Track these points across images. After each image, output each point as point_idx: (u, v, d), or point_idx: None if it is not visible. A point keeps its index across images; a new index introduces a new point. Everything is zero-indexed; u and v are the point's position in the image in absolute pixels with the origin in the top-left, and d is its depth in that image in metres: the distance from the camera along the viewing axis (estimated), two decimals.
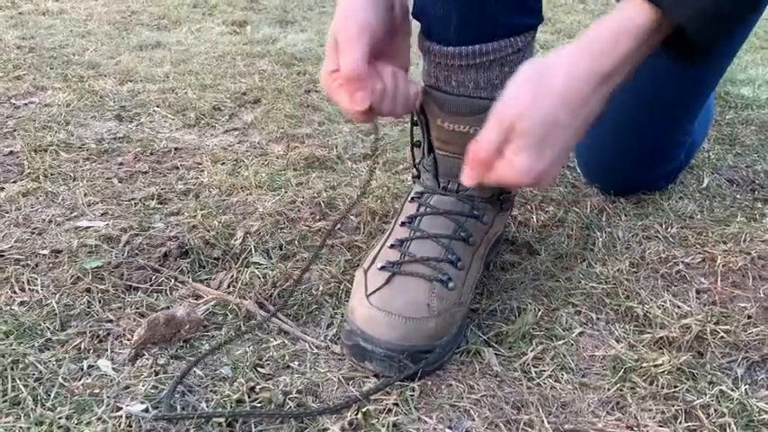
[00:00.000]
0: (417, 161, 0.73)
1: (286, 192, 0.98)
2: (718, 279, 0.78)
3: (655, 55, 0.88)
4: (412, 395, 0.60)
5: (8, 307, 0.71)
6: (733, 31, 0.56)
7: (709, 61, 0.89)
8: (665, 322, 0.71)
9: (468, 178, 0.56)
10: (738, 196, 1.03)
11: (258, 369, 0.63)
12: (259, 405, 0.58)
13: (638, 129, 0.94)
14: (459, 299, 0.65)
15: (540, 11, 0.69)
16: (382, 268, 0.66)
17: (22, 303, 0.72)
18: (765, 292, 0.76)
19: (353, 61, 0.55)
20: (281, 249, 0.83)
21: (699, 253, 0.84)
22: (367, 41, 0.56)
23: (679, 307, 0.74)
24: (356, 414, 0.57)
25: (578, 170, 1.05)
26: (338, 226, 0.88)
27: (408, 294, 0.63)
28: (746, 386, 0.63)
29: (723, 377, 0.64)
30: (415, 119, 0.71)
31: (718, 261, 0.81)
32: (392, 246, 0.68)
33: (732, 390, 0.62)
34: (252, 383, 0.60)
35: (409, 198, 0.72)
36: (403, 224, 0.70)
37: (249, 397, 0.59)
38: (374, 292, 0.64)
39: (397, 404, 0.59)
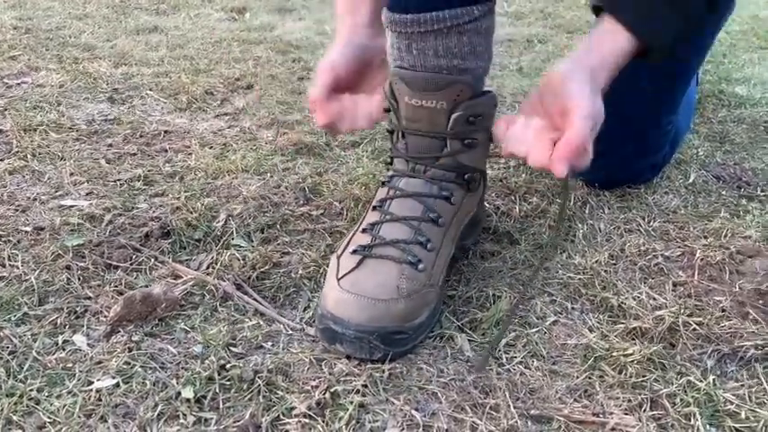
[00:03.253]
0: (391, 146, 0.74)
1: (272, 176, 0.98)
2: (696, 273, 0.79)
3: None
4: (381, 377, 0.61)
5: None
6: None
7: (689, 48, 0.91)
8: (639, 313, 0.71)
9: (563, 167, 0.62)
10: (724, 192, 1.03)
11: (231, 348, 0.64)
12: (228, 383, 0.58)
13: (621, 118, 0.94)
14: (429, 280, 0.66)
15: None
16: (354, 252, 0.67)
17: (1, 278, 0.72)
18: (741, 286, 0.76)
19: (313, 92, 0.73)
20: (263, 233, 0.84)
21: (679, 247, 0.85)
22: (328, 78, 0.72)
23: (654, 299, 0.74)
24: (324, 394, 0.57)
25: None
26: (321, 211, 0.89)
27: (378, 277, 0.64)
28: (715, 377, 0.63)
29: (692, 368, 0.64)
30: (386, 105, 0.72)
31: (697, 255, 0.81)
32: (364, 230, 0.69)
33: (700, 380, 0.62)
34: (223, 361, 0.61)
35: (381, 183, 0.73)
36: (374, 208, 0.71)
37: (219, 374, 0.59)
38: (345, 275, 0.65)
39: (366, 385, 0.60)
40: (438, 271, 0.68)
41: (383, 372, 0.61)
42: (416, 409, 0.58)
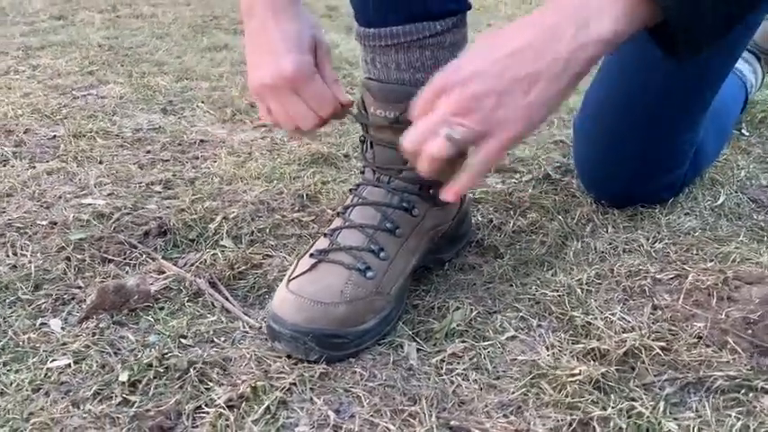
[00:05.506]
0: (361, 155, 0.75)
1: (278, 183, 1.02)
2: (681, 297, 0.74)
3: (644, 56, 0.84)
4: (312, 377, 0.62)
5: None
6: (725, 33, 0.54)
7: (694, 61, 0.85)
8: (602, 335, 0.68)
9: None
10: (756, 216, 0.95)
11: (181, 340, 0.67)
12: (163, 371, 0.62)
13: (630, 135, 0.90)
14: (377, 288, 0.66)
15: None
16: (311, 255, 0.68)
17: (8, 265, 0.80)
18: (728, 313, 0.71)
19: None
20: (252, 235, 0.87)
21: (675, 269, 0.80)
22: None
23: (627, 321, 0.71)
24: (248, 388, 0.59)
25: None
26: (313, 218, 0.92)
27: (324, 281, 0.65)
28: (669, 405, 0.59)
29: (642, 393, 0.60)
30: (356, 112, 0.73)
31: (689, 278, 0.76)
32: (325, 235, 0.70)
33: (646, 407, 0.58)
34: (166, 351, 0.64)
35: (349, 190, 0.74)
36: (338, 214, 0.72)
37: (160, 363, 0.63)
38: (296, 277, 0.66)
39: (294, 384, 0.61)
40: (389, 280, 0.68)
41: (314, 372, 0.62)
42: (336, 411, 0.58)
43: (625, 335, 0.67)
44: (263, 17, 0.66)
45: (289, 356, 0.65)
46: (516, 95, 0.52)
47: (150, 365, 0.62)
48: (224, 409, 0.57)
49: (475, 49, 0.55)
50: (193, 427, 0.56)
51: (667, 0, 0.51)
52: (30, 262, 0.80)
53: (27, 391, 0.60)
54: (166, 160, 1.14)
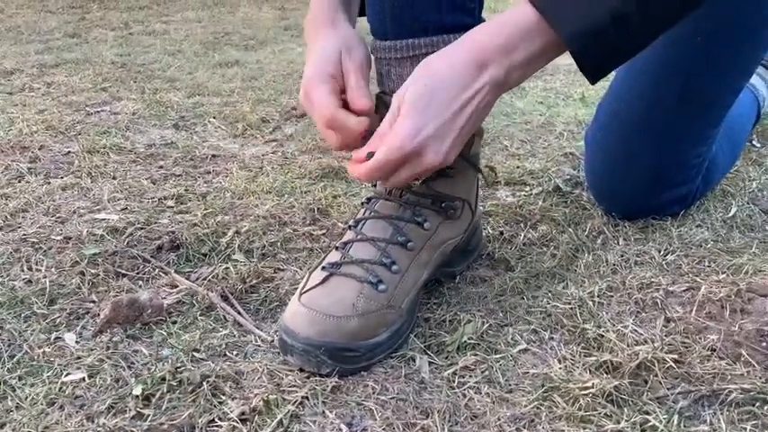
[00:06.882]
0: None
1: (290, 197, 1.03)
2: (694, 309, 0.74)
3: (645, 72, 0.86)
4: (324, 390, 0.62)
5: (12, 282, 0.80)
6: (624, 59, 0.58)
7: (710, 78, 0.86)
8: (614, 347, 0.68)
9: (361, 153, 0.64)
10: None
11: (194, 353, 0.67)
12: (177, 384, 0.62)
13: (643, 148, 0.91)
14: (389, 301, 0.67)
15: (476, 11, 0.71)
16: (323, 268, 0.69)
17: (23, 280, 0.81)
18: (742, 325, 0.70)
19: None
20: (263, 249, 0.88)
21: (687, 282, 0.80)
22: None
23: (640, 334, 0.70)
24: (260, 401, 0.59)
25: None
26: (324, 231, 0.92)
27: (336, 294, 0.65)
28: (683, 419, 0.59)
29: (655, 406, 0.60)
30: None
31: (702, 290, 0.76)
32: (337, 248, 0.71)
33: (660, 421, 0.58)
34: (179, 365, 0.65)
35: (362, 203, 0.75)
36: (350, 227, 0.72)
37: (173, 376, 0.63)
38: (308, 290, 0.67)
39: (306, 397, 0.61)
40: (401, 293, 0.68)
41: (327, 385, 0.62)
42: (348, 424, 0.58)
43: (638, 347, 0.67)
44: (308, 33, 0.74)
45: (301, 370, 0.65)
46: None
47: (163, 379, 0.63)
48: (237, 422, 0.57)
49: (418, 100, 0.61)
50: None
51: (563, 26, 0.57)
52: (45, 277, 0.81)
53: (42, 404, 0.60)
54: (179, 175, 1.16)
